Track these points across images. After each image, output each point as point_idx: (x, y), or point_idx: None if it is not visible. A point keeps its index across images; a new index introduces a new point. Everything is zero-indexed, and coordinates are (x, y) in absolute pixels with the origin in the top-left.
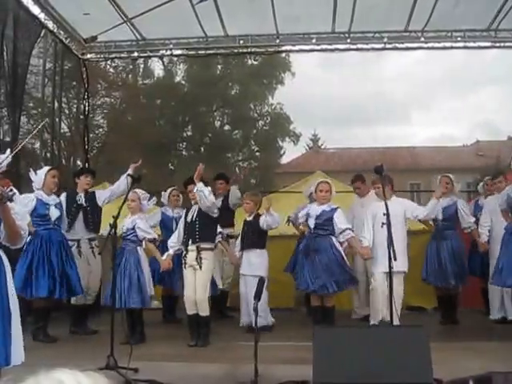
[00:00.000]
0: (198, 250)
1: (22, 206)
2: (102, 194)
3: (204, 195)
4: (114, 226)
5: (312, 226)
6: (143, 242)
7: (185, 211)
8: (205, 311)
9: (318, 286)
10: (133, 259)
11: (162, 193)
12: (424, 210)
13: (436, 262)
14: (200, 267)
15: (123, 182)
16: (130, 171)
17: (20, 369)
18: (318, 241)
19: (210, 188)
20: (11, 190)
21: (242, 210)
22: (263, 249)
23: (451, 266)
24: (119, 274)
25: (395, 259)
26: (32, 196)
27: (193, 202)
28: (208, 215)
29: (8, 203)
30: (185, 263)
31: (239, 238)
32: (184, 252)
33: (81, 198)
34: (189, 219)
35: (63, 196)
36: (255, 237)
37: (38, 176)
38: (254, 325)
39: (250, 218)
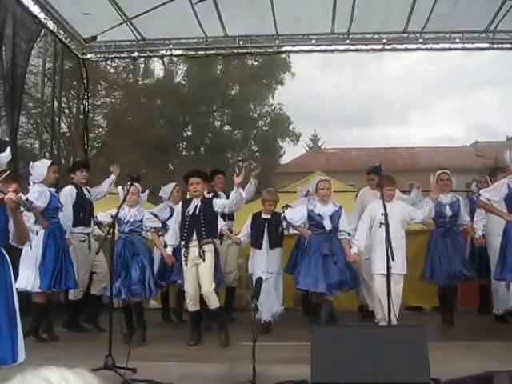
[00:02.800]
0: (200, 245)
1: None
2: (95, 193)
3: (243, 200)
4: (113, 224)
5: (329, 228)
6: (149, 233)
7: (181, 205)
8: (215, 303)
9: (330, 286)
10: (144, 248)
11: (161, 187)
12: (421, 213)
13: (447, 259)
14: (203, 260)
15: (105, 185)
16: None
17: (11, 367)
18: (334, 242)
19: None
20: (27, 200)
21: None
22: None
23: (460, 261)
24: (130, 265)
25: (393, 259)
26: (44, 189)
27: (195, 195)
28: (212, 210)
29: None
30: (186, 260)
31: (246, 231)
32: (184, 249)
33: (87, 193)
34: (190, 213)
35: (71, 190)
36: (279, 235)
37: (39, 169)
38: (252, 323)
39: (269, 216)
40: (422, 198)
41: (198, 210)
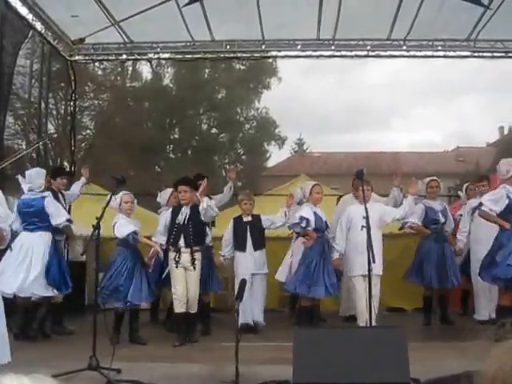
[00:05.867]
0: (192, 252)
1: (4, 208)
2: (68, 196)
3: (212, 210)
4: (97, 227)
5: (325, 230)
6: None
7: (171, 211)
8: (195, 309)
9: (333, 288)
10: (141, 258)
11: (158, 193)
12: (401, 209)
13: (441, 264)
14: (194, 268)
15: (76, 187)
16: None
17: None
18: (329, 244)
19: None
20: None
21: (228, 212)
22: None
23: (453, 266)
24: (135, 273)
25: (374, 261)
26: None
27: (184, 203)
28: (200, 219)
29: None
30: (176, 263)
31: (228, 238)
32: (175, 254)
33: (62, 199)
34: (180, 221)
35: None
36: (262, 236)
37: (37, 179)
38: (240, 324)
39: (249, 219)
40: (402, 197)
41: (187, 219)
